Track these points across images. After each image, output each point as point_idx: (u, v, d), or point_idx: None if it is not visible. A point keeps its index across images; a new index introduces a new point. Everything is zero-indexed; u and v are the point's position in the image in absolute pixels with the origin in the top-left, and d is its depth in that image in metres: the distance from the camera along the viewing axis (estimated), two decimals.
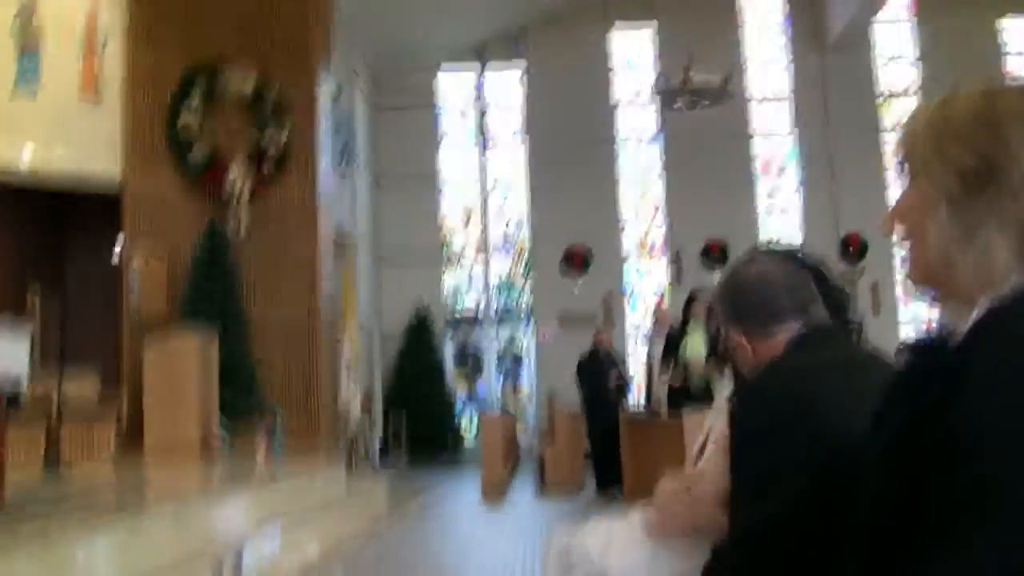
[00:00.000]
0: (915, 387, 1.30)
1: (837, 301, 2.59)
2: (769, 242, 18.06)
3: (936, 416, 1.21)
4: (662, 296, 20.24)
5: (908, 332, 20.13)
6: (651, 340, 11.58)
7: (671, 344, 9.97)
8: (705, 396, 8.50)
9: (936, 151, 1.39)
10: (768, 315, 2.30)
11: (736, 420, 2.11)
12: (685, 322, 9.88)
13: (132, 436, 10.91)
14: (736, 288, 2.41)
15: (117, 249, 12.31)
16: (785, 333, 2.27)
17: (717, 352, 2.93)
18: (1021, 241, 1.30)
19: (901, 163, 1.47)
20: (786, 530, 1.78)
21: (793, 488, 1.83)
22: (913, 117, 1.46)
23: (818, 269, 2.59)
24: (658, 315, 11.52)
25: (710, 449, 2.74)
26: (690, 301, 10.10)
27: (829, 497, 1.74)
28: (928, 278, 1.45)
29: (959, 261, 1.36)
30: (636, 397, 14.01)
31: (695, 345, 9.37)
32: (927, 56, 21.44)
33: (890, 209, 1.49)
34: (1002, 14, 21.43)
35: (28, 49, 11.55)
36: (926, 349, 1.35)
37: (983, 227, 1.33)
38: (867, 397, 1.96)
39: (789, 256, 2.48)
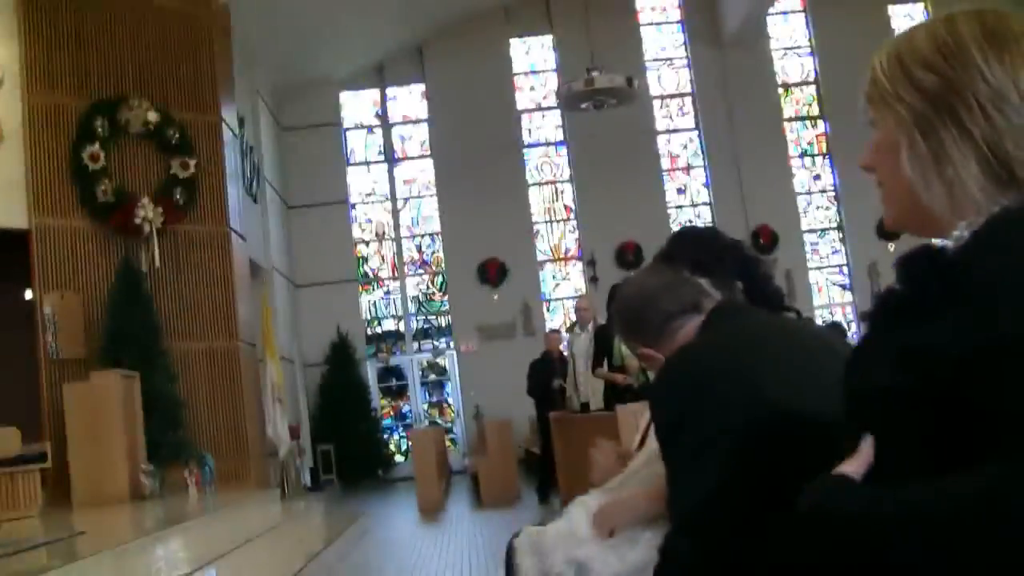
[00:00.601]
0: (917, 297, 1.28)
1: (759, 272, 2.66)
2: (689, 224, 18.30)
3: (947, 327, 1.19)
4: (583, 294, 20.17)
5: (824, 317, 20.49)
6: (573, 335, 11.49)
7: (601, 340, 9.92)
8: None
9: (901, 78, 1.40)
10: (660, 320, 2.39)
11: (654, 406, 2.16)
12: (611, 316, 9.77)
13: (59, 484, 10.67)
14: (623, 308, 2.52)
15: (28, 295, 12.10)
16: (685, 328, 2.36)
17: None
18: (988, 163, 1.31)
19: (866, 106, 1.48)
20: (727, 500, 1.78)
21: (722, 457, 1.82)
22: (875, 58, 1.47)
23: (736, 244, 2.68)
24: (580, 311, 11.44)
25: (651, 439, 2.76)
26: (611, 298, 10.08)
27: (760, 458, 1.76)
28: (902, 218, 1.45)
29: (930, 190, 1.36)
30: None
31: None
32: (821, 46, 21.87)
33: (861, 157, 1.50)
34: (890, 1, 21.95)
35: None
36: (925, 259, 1.32)
37: (951, 150, 1.33)
38: (781, 358, 2.00)
39: (664, 260, 2.64)
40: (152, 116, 12.73)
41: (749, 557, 1.66)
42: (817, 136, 22.19)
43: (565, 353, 13.07)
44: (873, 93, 1.46)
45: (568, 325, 16.48)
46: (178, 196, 12.81)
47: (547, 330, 16.43)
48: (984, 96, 1.32)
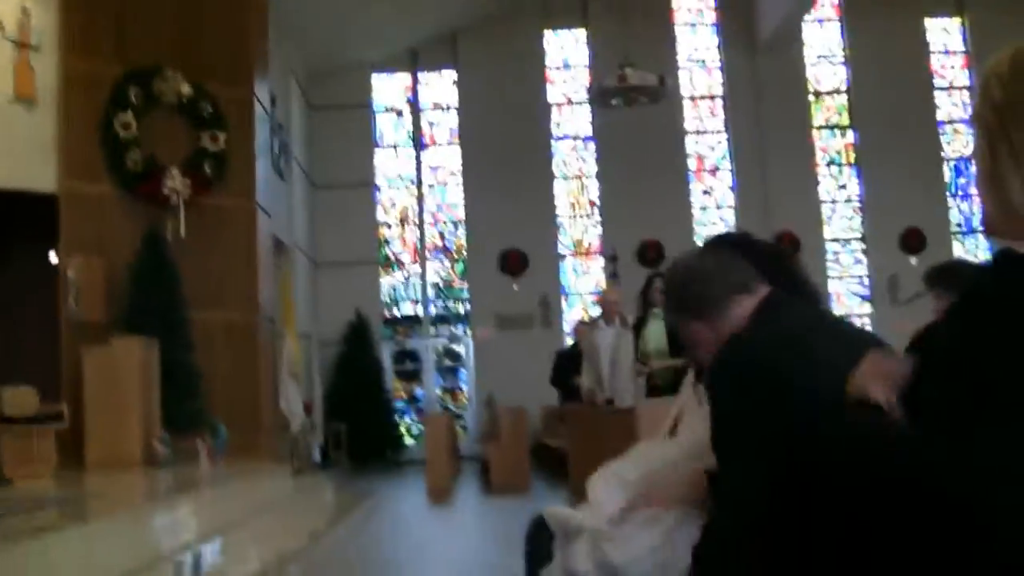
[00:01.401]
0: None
1: (796, 275, 2.69)
2: (716, 229, 18.30)
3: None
4: (611, 287, 19.96)
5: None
6: (597, 329, 11.04)
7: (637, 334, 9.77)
8: (672, 388, 8.28)
9: (982, 92, 1.46)
10: (714, 296, 2.41)
11: (711, 398, 2.20)
12: (645, 307, 9.65)
13: (73, 446, 10.78)
14: (678, 282, 2.52)
15: (53, 258, 12.20)
16: (738, 308, 2.38)
17: (678, 339, 2.99)
18: None
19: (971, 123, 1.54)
20: (776, 496, 1.79)
21: (771, 454, 1.82)
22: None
23: (774, 247, 2.73)
24: (608, 303, 10.99)
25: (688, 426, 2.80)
26: (648, 285, 10.00)
27: (806, 457, 1.77)
28: (985, 222, 1.50)
29: (990, 201, 1.42)
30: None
31: (655, 335, 9.12)
32: (855, 55, 21.80)
33: None
34: (926, 15, 21.85)
35: None
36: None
37: (1004, 167, 1.39)
38: (829, 354, 2.02)
39: (718, 244, 2.67)
40: (186, 88, 12.79)
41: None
42: (846, 145, 22.11)
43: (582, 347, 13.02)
44: (972, 111, 1.53)
45: (588, 318, 16.39)
46: (207, 169, 12.88)
47: (576, 322, 16.42)
48: None
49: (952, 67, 22.05)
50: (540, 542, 2.88)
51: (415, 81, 21.97)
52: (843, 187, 22.01)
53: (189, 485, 8.26)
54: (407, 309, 21.67)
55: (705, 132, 22.10)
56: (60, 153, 12.16)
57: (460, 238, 21.68)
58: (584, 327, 14.05)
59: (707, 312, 2.43)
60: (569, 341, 17.55)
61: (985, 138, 1.43)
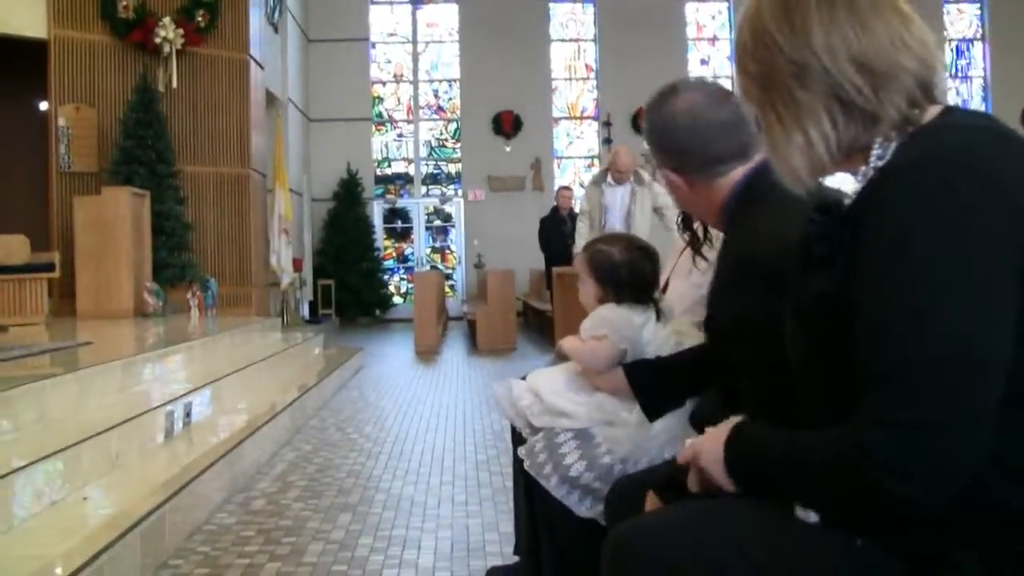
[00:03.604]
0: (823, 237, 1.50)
1: None
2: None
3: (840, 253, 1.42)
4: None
5: None
6: (607, 186, 10.64)
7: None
8: None
9: (740, 67, 1.48)
10: (707, 159, 2.04)
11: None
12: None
13: (65, 295, 10.90)
14: (667, 128, 2.10)
15: (43, 106, 12.11)
16: (727, 177, 2.05)
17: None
18: (801, 150, 1.42)
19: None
20: None
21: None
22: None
23: None
24: (622, 165, 10.59)
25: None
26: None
27: None
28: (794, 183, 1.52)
29: (780, 164, 1.46)
30: None
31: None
32: None
33: None
34: None
35: None
36: (827, 213, 1.53)
37: (775, 135, 1.43)
38: None
39: (722, 90, 2.15)
40: None
41: None
42: None
43: (576, 209, 12.99)
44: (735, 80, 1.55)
45: (581, 183, 16.27)
46: (199, 19, 12.74)
47: (558, 187, 16.42)
48: (788, 74, 1.38)
49: None
50: None
51: None
52: None
53: (180, 336, 8.36)
54: (399, 168, 21.59)
55: (706, 0, 21.78)
56: None
57: (454, 98, 21.50)
58: (566, 191, 14.14)
59: (692, 171, 2.07)
60: None
61: (756, 108, 1.46)
